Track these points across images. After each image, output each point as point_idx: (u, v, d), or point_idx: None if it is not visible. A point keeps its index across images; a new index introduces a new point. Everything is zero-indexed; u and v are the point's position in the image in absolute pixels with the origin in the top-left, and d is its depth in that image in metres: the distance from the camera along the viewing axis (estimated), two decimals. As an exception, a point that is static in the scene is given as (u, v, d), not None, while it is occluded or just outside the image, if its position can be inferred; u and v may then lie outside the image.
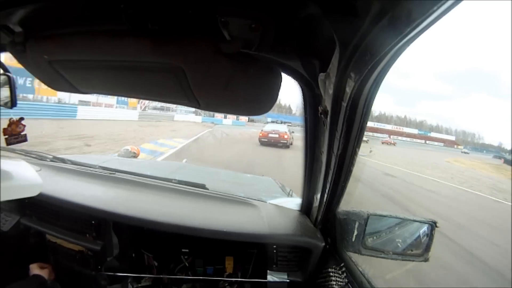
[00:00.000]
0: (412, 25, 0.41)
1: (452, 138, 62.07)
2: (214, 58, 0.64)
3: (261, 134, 12.52)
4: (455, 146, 56.61)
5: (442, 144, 53.64)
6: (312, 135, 1.00)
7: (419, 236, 0.98)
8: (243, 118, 30.51)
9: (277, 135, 12.16)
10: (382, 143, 32.17)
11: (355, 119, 0.70)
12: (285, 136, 12.18)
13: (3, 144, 1.10)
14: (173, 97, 0.86)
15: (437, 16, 0.39)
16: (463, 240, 4.25)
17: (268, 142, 11.99)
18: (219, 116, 29.27)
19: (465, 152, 44.08)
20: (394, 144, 32.91)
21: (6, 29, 0.75)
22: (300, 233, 1.12)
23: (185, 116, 27.54)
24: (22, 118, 1.00)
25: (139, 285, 1.22)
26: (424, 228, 0.97)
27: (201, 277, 1.23)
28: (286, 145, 12.09)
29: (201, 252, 1.26)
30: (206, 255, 1.26)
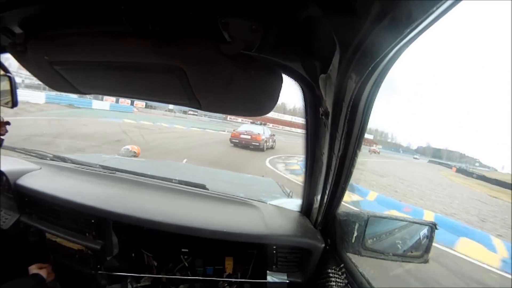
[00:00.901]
0: (412, 25, 0.41)
1: (370, 137, 59.52)
2: (215, 59, 0.64)
3: (232, 135, 11.75)
4: (374, 145, 53.90)
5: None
6: (312, 136, 1.00)
7: (419, 237, 0.98)
8: (137, 103, 22.25)
9: (249, 137, 11.38)
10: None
11: (355, 120, 0.70)
12: (258, 138, 11.35)
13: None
14: (174, 98, 0.86)
15: (437, 16, 0.39)
16: None
17: (239, 143, 11.30)
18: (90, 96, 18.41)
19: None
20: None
21: (7, 30, 0.75)
22: (300, 234, 1.12)
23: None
24: (8, 123, 1.01)
25: (139, 284, 1.22)
26: (424, 230, 0.97)
27: (200, 277, 1.23)
28: (259, 148, 11.26)
29: (201, 252, 1.26)
30: (206, 255, 1.26)
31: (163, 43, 0.65)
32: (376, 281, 0.90)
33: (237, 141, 11.48)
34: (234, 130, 12.20)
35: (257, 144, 11.35)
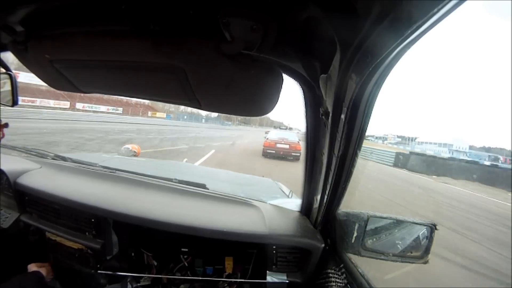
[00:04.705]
0: (413, 27, 0.41)
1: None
2: (215, 59, 0.63)
3: (266, 144, 9.55)
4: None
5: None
6: (312, 136, 1.00)
7: (418, 238, 0.98)
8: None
9: (287, 146, 9.37)
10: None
11: (356, 121, 0.70)
12: (298, 148, 9.30)
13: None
14: (174, 98, 0.86)
15: (438, 18, 0.39)
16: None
17: (276, 154, 9.21)
18: None
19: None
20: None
21: (7, 29, 0.75)
22: (300, 234, 1.12)
23: None
24: (7, 125, 1.03)
25: (138, 284, 1.22)
26: (424, 230, 0.97)
27: (200, 277, 1.23)
28: (298, 158, 9.15)
29: (200, 252, 1.26)
30: (206, 255, 1.26)
31: (164, 43, 0.64)
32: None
33: (273, 151, 9.44)
34: (266, 138, 10.06)
35: (298, 154, 9.25)
